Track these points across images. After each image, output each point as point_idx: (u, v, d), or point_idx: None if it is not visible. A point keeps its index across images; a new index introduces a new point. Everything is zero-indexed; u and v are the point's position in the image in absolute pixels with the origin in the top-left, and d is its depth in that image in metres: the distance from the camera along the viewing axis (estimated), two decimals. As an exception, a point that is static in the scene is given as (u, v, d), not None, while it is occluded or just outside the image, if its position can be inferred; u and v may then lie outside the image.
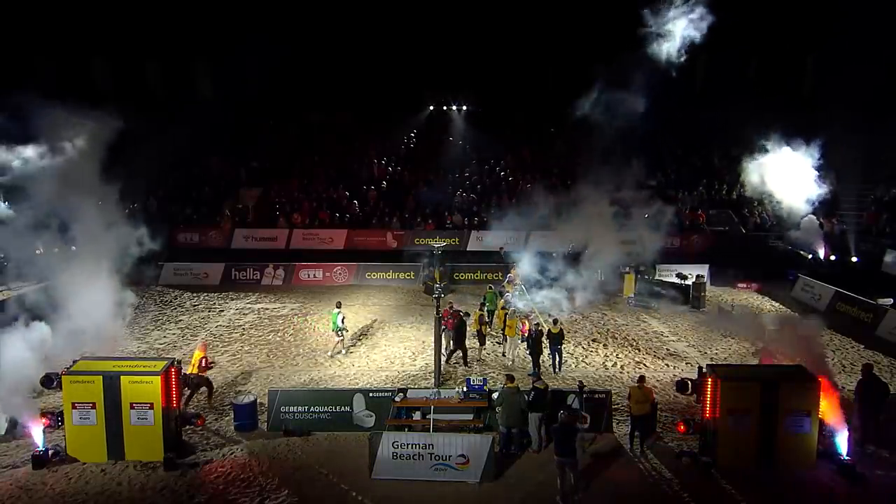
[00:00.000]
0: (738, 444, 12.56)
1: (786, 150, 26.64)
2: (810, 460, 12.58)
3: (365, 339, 20.73)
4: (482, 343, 19.36)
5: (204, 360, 16.41)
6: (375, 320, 22.79)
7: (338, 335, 19.11)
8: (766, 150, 27.25)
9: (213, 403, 15.58)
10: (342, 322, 19.08)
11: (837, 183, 30.00)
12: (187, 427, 13.79)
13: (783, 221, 29.25)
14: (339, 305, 19.73)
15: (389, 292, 26.81)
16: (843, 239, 29.10)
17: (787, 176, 26.85)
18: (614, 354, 19.34)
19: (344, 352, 19.30)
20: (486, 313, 20.19)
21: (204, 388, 15.74)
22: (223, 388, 16.67)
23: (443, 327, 17.53)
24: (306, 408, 14.29)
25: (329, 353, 19.16)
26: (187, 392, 15.16)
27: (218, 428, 14.45)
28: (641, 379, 13.92)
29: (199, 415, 14.12)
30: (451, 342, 18.20)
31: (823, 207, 28.42)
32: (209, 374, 16.71)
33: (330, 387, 16.61)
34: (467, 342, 18.43)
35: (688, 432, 13.17)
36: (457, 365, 18.21)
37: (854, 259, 27.94)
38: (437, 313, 15.46)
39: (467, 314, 18.83)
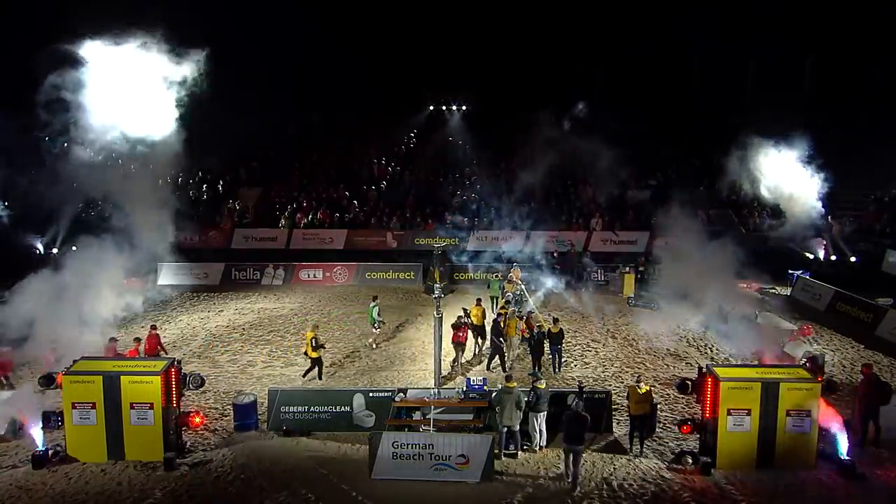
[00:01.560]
0: (738, 445, 12.56)
1: (785, 150, 26.61)
2: (810, 460, 12.59)
3: (364, 339, 20.71)
4: (484, 338, 19.46)
5: (315, 341, 16.81)
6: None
7: (375, 328, 19.80)
8: (766, 151, 27.22)
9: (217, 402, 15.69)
10: (378, 315, 19.71)
11: (837, 183, 29.99)
12: (187, 427, 13.79)
13: (780, 216, 29.21)
14: (375, 299, 20.42)
15: (389, 292, 26.78)
16: (844, 239, 29.11)
17: (786, 176, 26.82)
18: (614, 354, 19.34)
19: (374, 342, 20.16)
20: (490, 300, 20.57)
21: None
22: (223, 387, 16.68)
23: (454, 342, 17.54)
24: (306, 408, 14.30)
25: (373, 345, 19.90)
26: None
27: (218, 428, 14.46)
28: (640, 379, 13.90)
29: (199, 414, 14.11)
30: (491, 346, 18.21)
31: (825, 208, 28.39)
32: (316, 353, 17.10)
33: (330, 386, 16.62)
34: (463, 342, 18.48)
35: (692, 433, 13.17)
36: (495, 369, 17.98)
37: (853, 259, 27.94)
38: (438, 313, 15.40)
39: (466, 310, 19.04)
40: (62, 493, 11.83)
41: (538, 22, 35.58)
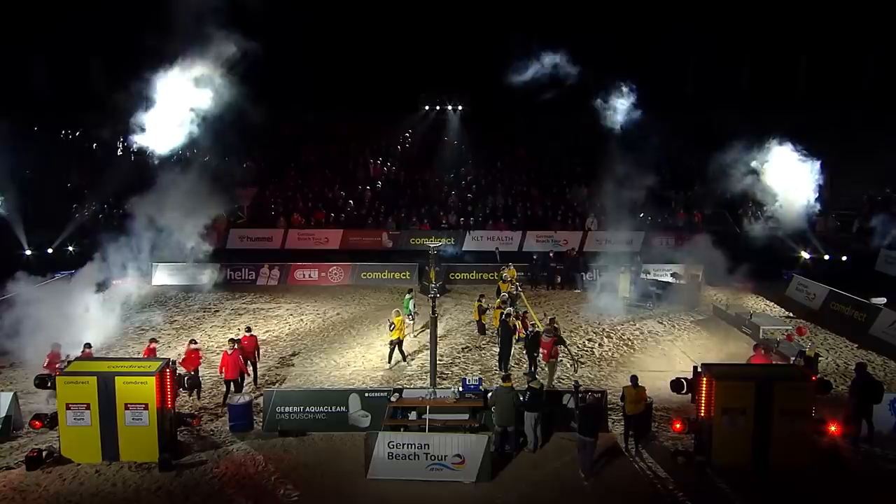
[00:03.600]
0: (733, 444, 12.61)
1: (780, 149, 26.73)
2: (805, 459, 12.64)
3: (360, 339, 20.71)
4: (482, 332, 19.56)
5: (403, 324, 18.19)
6: (371, 320, 22.77)
7: (410, 318, 20.32)
8: (761, 151, 27.36)
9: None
10: (413, 307, 20.41)
11: (831, 182, 30.14)
12: (182, 428, 13.75)
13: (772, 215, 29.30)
14: (410, 291, 21.19)
15: (385, 292, 26.79)
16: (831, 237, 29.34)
17: (782, 176, 26.94)
18: (609, 354, 19.37)
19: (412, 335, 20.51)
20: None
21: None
22: (219, 388, 16.62)
23: (542, 352, 16.82)
24: (302, 408, 14.24)
25: (412, 335, 20.33)
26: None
27: (213, 428, 14.43)
28: (634, 379, 13.92)
29: (195, 415, 14.10)
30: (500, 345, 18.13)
31: (818, 206, 28.54)
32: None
33: (326, 387, 16.60)
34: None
35: (684, 431, 13.21)
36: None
37: (844, 258, 28.06)
38: (433, 313, 15.38)
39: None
40: (56, 494, 11.77)
41: (535, 20, 35.54)
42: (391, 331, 18.01)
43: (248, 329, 17.54)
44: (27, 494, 11.76)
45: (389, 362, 18.15)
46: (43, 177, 32.60)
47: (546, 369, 16.76)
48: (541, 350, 16.74)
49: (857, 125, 33.41)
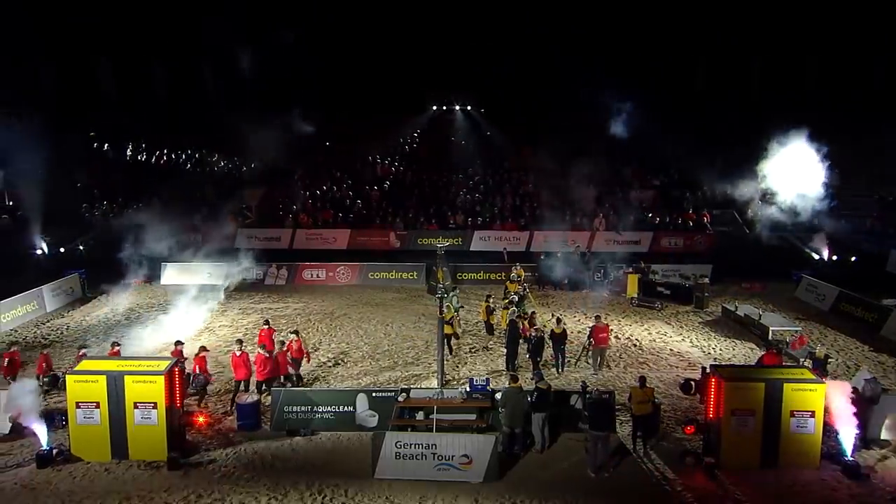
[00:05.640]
0: (742, 445, 12.54)
1: (789, 150, 26.54)
2: (814, 461, 12.56)
3: (368, 339, 20.74)
4: (490, 332, 19.59)
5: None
6: (378, 320, 22.80)
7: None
8: (769, 151, 27.18)
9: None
10: (457, 302, 20.55)
11: (841, 183, 29.94)
12: (191, 426, 13.81)
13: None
14: (454, 288, 21.43)
15: (392, 292, 26.81)
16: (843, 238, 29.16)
17: (790, 177, 26.76)
18: (617, 354, 19.30)
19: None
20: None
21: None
22: (227, 387, 16.68)
23: (601, 336, 17.38)
24: (309, 408, 14.27)
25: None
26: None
27: (221, 427, 14.48)
28: (642, 380, 13.87)
29: (194, 412, 14.16)
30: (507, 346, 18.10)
31: (826, 208, 28.32)
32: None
33: (333, 387, 16.64)
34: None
35: (696, 433, 13.16)
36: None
37: (853, 259, 27.86)
38: (441, 313, 15.39)
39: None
40: (66, 492, 11.85)
41: (541, 20, 35.51)
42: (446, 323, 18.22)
43: (266, 322, 18.24)
44: (38, 492, 11.86)
45: (451, 353, 18.46)
46: (55, 176, 32.84)
47: (590, 355, 17.85)
48: (599, 336, 17.46)
49: (867, 126, 33.14)
